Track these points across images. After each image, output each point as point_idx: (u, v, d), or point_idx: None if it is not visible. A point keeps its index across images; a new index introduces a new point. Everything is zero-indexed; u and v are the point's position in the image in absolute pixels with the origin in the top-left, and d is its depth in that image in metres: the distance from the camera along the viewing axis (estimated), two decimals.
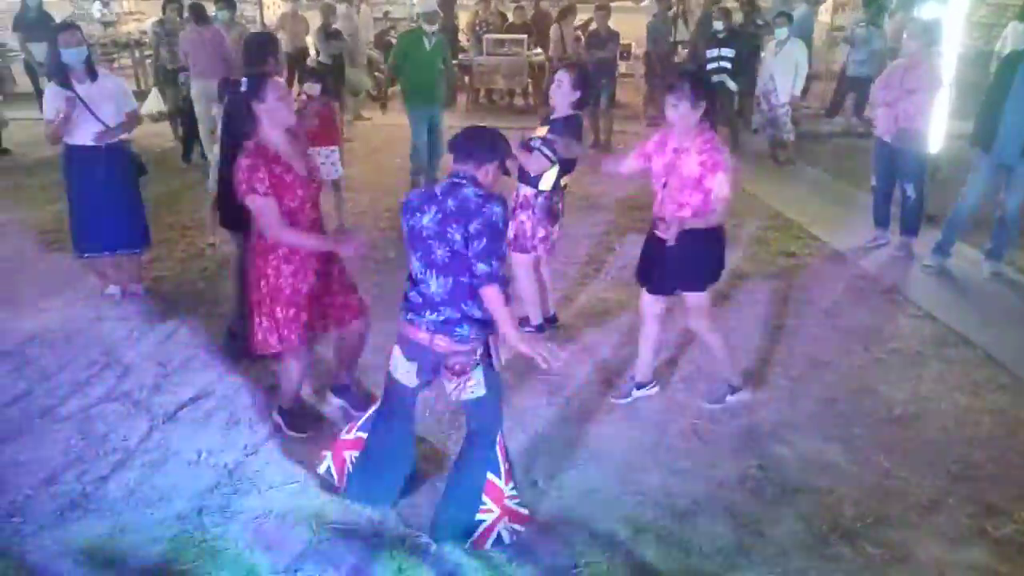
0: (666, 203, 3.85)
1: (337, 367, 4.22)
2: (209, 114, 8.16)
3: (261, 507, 3.46)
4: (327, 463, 3.54)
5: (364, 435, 3.42)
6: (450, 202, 2.90)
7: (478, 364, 3.02)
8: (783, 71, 8.71)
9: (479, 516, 3.19)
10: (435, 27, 7.80)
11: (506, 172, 3.09)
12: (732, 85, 9.35)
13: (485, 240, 2.87)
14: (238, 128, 3.84)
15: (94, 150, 5.08)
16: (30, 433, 3.97)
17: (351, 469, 3.45)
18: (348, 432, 3.52)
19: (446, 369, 3.04)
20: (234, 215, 4.00)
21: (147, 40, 12.78)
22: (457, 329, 2.97)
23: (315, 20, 10.84)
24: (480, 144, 2.99)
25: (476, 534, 3.19)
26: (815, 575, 3.12)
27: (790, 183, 8.57)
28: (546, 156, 4.37)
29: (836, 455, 3.84)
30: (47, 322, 5.18)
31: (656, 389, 4.32)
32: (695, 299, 4.04)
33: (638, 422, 4.10)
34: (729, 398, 4.21)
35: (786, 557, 3.20)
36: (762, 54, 9.84)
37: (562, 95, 4.47)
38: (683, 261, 3.85)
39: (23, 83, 11.81)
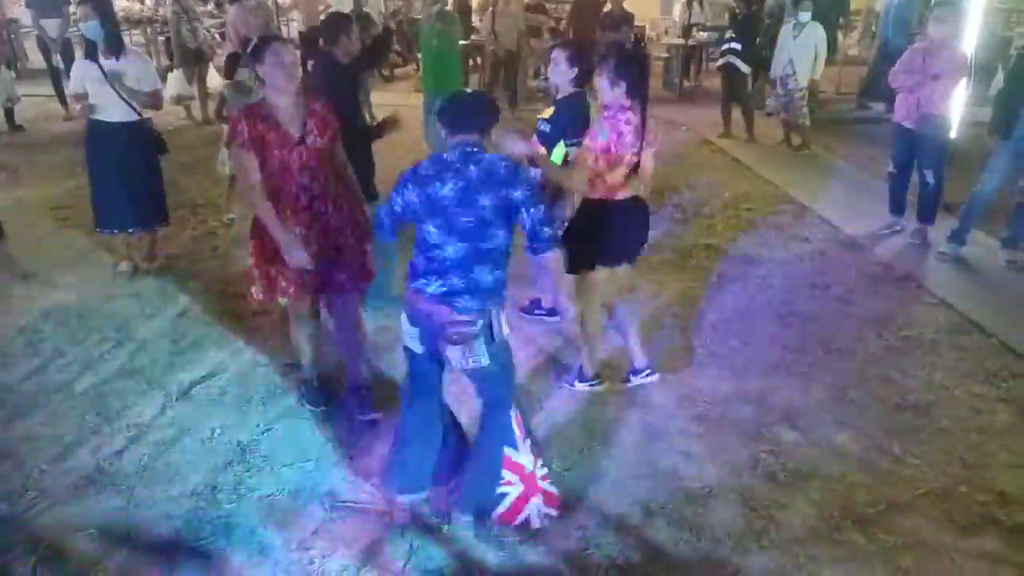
0: None
1: (342, 361, 4.17)
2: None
3: (274, 485, 3.48)
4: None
5: None
6: (472, 169, 2.86)
7: (478, 335, 2.95)
8: (802, 55, 8.62)
9: (501, 489, 3.16)
10: (437, 7, 7.59)
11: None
12: (743, 68, 9.29)
13: (542, 205, 2.91)
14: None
15: (117, 127, 5.08)
16: (45, 408, 4.00)
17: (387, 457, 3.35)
18: None
19: (447, 341, 2.98)
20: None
21: (159, 17, 12.76)
22: (459, 300, 2.92)
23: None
24: (478, 111, 2.98)
25: (501, 508, 3.17)
26: (826, 561, 3.12)
27: (804, 168, 8.50)
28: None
29: (848, 442, 3.83)
30: (61, 298, 5.21)
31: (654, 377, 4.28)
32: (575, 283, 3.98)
33: (649, 407, 4.10)
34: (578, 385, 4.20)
35: (797, 542, 3.20)
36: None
37: (560, 74, 4.42)
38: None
39: (35, 59, 11.82)
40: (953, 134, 6.35)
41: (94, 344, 4.63)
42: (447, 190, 2.86)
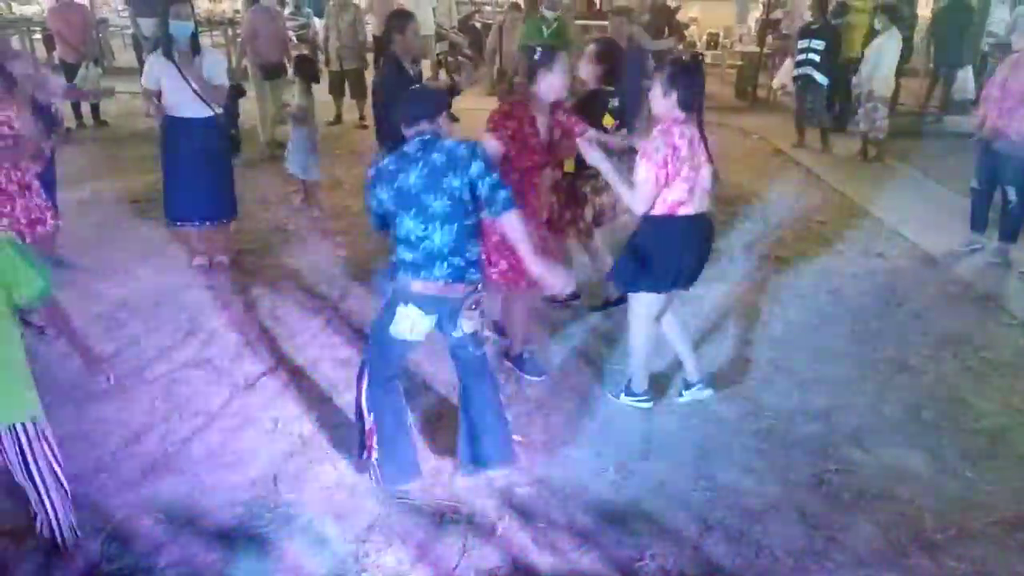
0: None
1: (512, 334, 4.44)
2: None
3: (333, 477, 3.53)
4: (373, 471, 3.41)
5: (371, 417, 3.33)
6: (435, 156, 3.00)
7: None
8: (879, 65, 8.38)
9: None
10: (556, 12, 7.54)
11: (455, 119, 3.22)
12: (820, 79, 9.05)
13: (495, 173, 3.04)
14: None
15: (194, 122, 5.23)
16: (118, 394, 4.11)
17: (377, 456, 3.35)
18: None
19: (467, 310, 3.20)
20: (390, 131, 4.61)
21: (239, 19, 13.08)
22: (466, 275, 3.11)
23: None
24: (423, 102, 3.15)
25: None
26: None
27: (881, 181, 8.26)
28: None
29: (919, 464, 3.70)
30: (137, 288, 5.38)
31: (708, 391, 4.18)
32: (630, 299, 3.99)
33: (712, 419, 4.02)
34: (624, 398, 4.12)
35: (861, 565, 3.10)
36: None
37: (587, 69, 4.57)
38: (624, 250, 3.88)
39: (121, 58, 12.27)
40: None
41: (167, 333, 4.77)
42: (413, 179, 3.00)
